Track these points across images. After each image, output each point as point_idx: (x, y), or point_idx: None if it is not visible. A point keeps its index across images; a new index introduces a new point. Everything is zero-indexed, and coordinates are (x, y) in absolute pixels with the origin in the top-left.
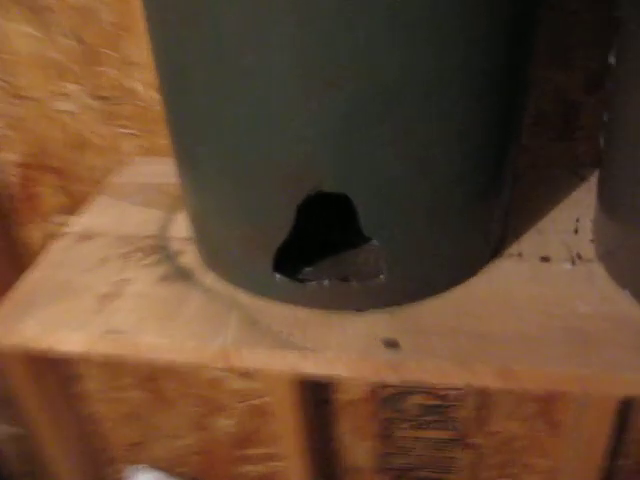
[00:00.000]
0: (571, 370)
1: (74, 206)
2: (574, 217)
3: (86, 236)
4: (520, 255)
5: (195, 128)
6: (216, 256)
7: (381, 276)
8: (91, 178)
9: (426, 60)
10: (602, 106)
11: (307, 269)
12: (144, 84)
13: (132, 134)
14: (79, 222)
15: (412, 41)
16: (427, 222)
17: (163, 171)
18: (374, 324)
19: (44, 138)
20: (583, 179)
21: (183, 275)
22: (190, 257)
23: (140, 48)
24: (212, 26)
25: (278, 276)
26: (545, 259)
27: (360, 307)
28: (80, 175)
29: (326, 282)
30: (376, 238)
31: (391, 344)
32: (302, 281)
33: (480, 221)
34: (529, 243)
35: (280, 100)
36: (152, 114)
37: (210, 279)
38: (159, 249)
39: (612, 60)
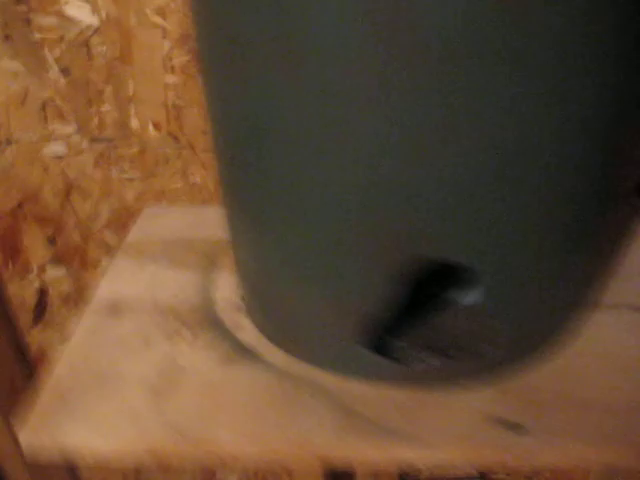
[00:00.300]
0: None
1: (68, 259)
2: None
3: (117, 310)
4: (617, 307)
5: (272, 185)
6: (287, 331)
7: (489, 346)
8: (86, 228)
9: (553, 115)
10: None
11: (398, 343)
12: (144, 122)
13: (132, 179)
14: (103, 291)
15: (539, 94)
16: (541, 286)
17: (183, 223)
18: (485, 401)
19: (32, 185)
20: None
21: (247, 355)
22: (250, 332)
23: (140, 82)
24: (317, 80)
25: (372, 355)
26: None
27: (464, 382)
28: (72, 225)
29: (427, 358)
30: (498, 312)
31: (512, 425)
32: (398, 359)
33: (588, 276)
34: (630, 292)
35: (389, 162)
36: (154, 155)
37: (281, 358)
38: (210, 324)
39: None
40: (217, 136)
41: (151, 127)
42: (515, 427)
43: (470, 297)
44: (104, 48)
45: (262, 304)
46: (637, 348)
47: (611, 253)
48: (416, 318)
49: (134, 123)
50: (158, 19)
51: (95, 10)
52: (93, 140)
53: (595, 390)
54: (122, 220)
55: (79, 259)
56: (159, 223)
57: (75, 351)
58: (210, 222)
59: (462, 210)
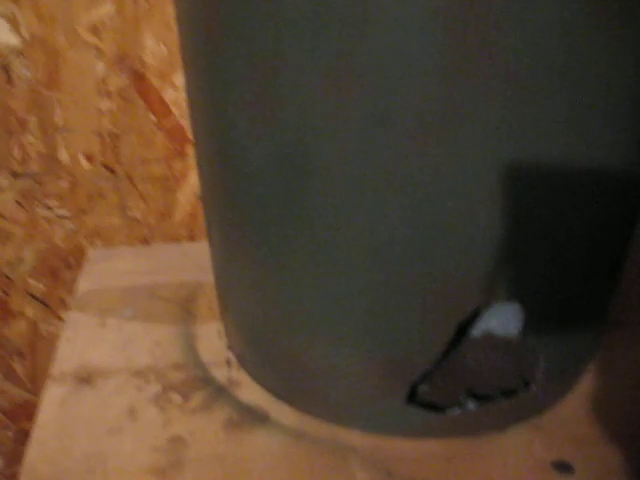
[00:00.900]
0: None
1: None
2: None
3: (86, 377)
4: (629, 324)
5: (302, 224)
6: (301, 386)
7: (532, 387)
8: (7, 277)
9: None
10: None
11: (424, 388)
12: (74, 154)
13: (61, 217)
14: (65, 356)
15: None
16: (579, 319)
17: (138, 267)
18: (528, 444)
19: None
20: None
21: (253, 416)
22: (250, 389)
23: (69, 109)
24: (369, 106)
25: (413, 408)
26: None
27: (501, 425)
28: None
29: (470, 405)
30: (540, 348)
31: (564, 468)
32: (438, 409)
33: (609, 298)
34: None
35: (448, 205)
36: (86, 190)
37: (294, 418)
38: (200, 382)
39: None
40: (219, 168)
41: (83, 159)
42: (566, 469)
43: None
44: (27, 72)
45: (266, 356)
46: None
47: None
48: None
49: (63, 155)
50: (91, 37)
51: (16, 28)
52: (14, 176)
53: (626, 417)
54: (50, 265)
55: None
56: (111, 269)
57: (46, 432)
58: (168, 263)
59: (513, 254)
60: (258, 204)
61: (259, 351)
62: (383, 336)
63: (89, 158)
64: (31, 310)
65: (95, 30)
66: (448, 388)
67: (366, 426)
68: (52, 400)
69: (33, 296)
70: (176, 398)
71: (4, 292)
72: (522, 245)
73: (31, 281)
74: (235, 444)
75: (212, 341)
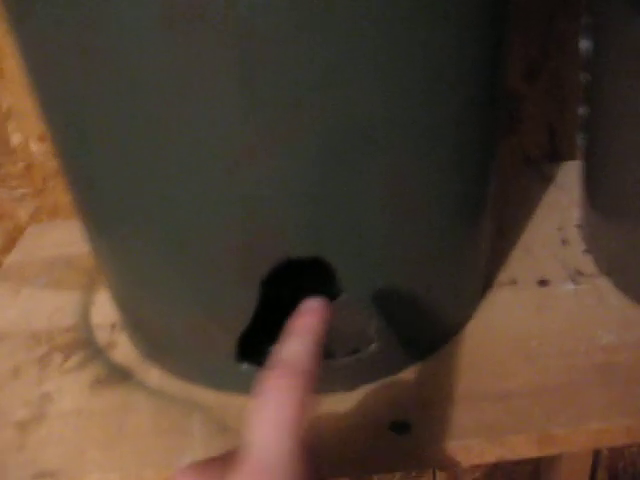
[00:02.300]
0: (617, 421)
1: None
2: (555, 225)
3: None
4: (514, 282)
5: (118, 195)
6: (160, 348)
7: (372, 345)
8: None
9: (406, 100)
10: (546, 95)
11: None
12: (26, 137)
13: (23, 196)
14: None
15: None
16: (416, 273)
17: (67, 240)
18: (373, 404)
19: None
20: (544, 176)
21: (120, 375)
22: (124, 350)
23: (16, 95)
24: (125, 79)
25: (245, 365)
26: (543, 283)
27: (350, 385)
28: None
29: None
30: (362, 302)
31: (400, 428)
32: None
33: (470, 256)
34: (520, 265)
35: (226, 156)
36: (42, 170)
37: (156, 377)
38: (83, 344)
39: (584, 45)
40: (57, 151)
41: (35, 141)
42: (403, 428)
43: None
44: None
45: (133, 320)
46: (539, 325)
47: (488, 217)
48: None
49: (15, 139)
50: None
51: None
52: None
53: (494, 378)
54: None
55: None
56: (41, 242)
57: None
58: None
59: (307, 204)
60: (79, 185)
61: (127, 315)
62: (210, 300)
63: (41, 139)
64: None
65: None
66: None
67: (212, 384)
68: None
69: None
70: (57, 358)
71: None
72: (320, 199)
73: (1, 257)
74: (95, 400)
75: (105, 306)
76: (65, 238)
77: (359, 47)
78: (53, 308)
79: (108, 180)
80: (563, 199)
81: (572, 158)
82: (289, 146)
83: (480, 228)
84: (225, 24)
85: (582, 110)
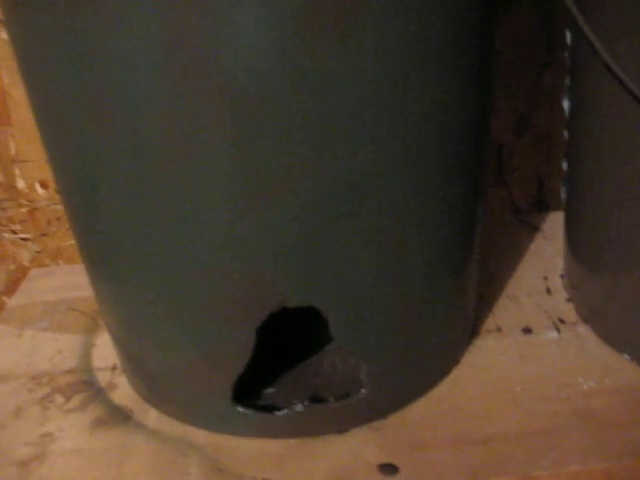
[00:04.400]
0: (597, 465)
1: None
2: (540, 274)
3: None
4: (499, 330)
5: (120, 242)
6: (158, 390)
7: (362, 390)
8: None
9: (394, 154)
10: (533, 148)
11: (270, 391)
12: (30, 182)
13: (25, 239)
14: None
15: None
16: (405, 321)
17: (68, 283)
18: (362, 446)
19: None
20: (531, 226)
21: (120, 416)
22: (124, 392)
23: (21, 142)
24: (129, 138)
25: (240, 408)
26: (527, 330)
27: (341, 428)
28: None
29: (299, 407)
30: (353, 349)
31: (389, 470)
32: (269, 409)
33: (457, 303)
34: (504, 313)
35: (222, 211)
36: (44, 214)
37: (154, 418)
38: (84, 386)
39: (567, 105)
40: (62, 194)
41: (39, 186)
42: (391, 470)
43: (340, 343)
44: None
45: (132, 363)
46: (523, 371)
47: (474, 265)
48: (284, 359)
49: (20, 184)
50: None
51: None
52: None
53: (478, 422)
54: (18, 284)
55: None
56: (44, 285)
57: None
58: None
59: (300, 256)
60: (86, 232)
61: (127, 358)
62: (208, 344)
63: (44, 185)
64: None
65: None
66: (279, 390)
67: (208, 425)
68: None
69: None
70: (59, 399)
71: None
72: (315, 249)
73: (4, 299)
74: (96, 440)
75: (106, 349)
76: (67, 282)
77: (350, 110)
78: (55, 350)
79: (112, 228)
80: (548, 249)
81: (559, 209)
82: (282, 203)
83: (467, 276)
84: (222, 95)
85: (565, 165)
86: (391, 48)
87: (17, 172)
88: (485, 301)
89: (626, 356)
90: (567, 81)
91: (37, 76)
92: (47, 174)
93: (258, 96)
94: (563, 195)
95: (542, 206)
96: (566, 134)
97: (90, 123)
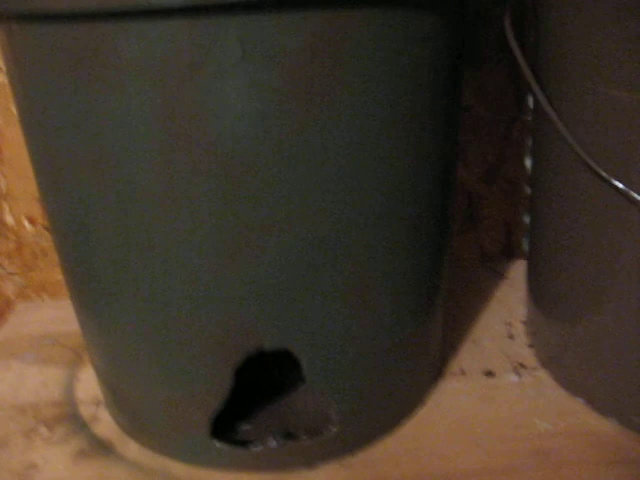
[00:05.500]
0: None
1: None
2: (504, 319)
3: None
4: (463, 372)
5: (107, 284)
6: (138, 423)
7: (332, 428)
8: None
9: (364, 214)
10: (503, 197)
11: (245, 427)
12: (19, 217)
13: (11, 274)
14: None
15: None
16: (374, 364)
17: (56, 317)
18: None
19: None
20: (497, 272)
21: (102, 449)
22: (106, 425)
23: (12, 179)
24: (120, 186)
25: (217, 443)
26: (489, 374)
27: (311, 463)
28: None
29: (272, 442)
30: (324, 390)
31: None
32: (244, 444)
33: (423, 347)
34: (468, 357)
35: (204, 259)
36: (31, 249)
37: (135, 450)
38: (67, 418)
39: (529, 163)
40: (53, 233)
41: (26, 222)
42: None
43: (311, 384)
44: None
45: (115, 397)
46: (484, 413)
47: (440, 308)
48: (259, 401)
49: (9, 219)
50: None
51: None
52: None
53: (441, 461)
54: (5, 317)
55: None
56: (29, 319)
57: None
58: None
59: (275, 303)
60: (72, 267)
61: (109, 392)
62: (185, 381)
63: (31, 221)
64: None
65: None
66: (255, 426)
67: (186, 459)
68: None
69: None
70: (43, 431)
71: None
72: (289, 294)
73: None
74: (78, 470)
75: (90, 383)
76: (52, 316)
77: (324, 174)
78: (40, 383)
79: (98, 268)
80: (513, 295)
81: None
82: (260, 254)
83: (432, 322)
84: (209, 157)
85: (527, 218)
86: (364, 118)
87: (6, 208)
88: (450, 345)
89: (580, 400)
90: (529, 141)
91: (36, 125)
92: (35, 210)
93: (241, 159)
94: (525, 246)
95: (510, 253)
96: (528, 190)
97: (85, 174)
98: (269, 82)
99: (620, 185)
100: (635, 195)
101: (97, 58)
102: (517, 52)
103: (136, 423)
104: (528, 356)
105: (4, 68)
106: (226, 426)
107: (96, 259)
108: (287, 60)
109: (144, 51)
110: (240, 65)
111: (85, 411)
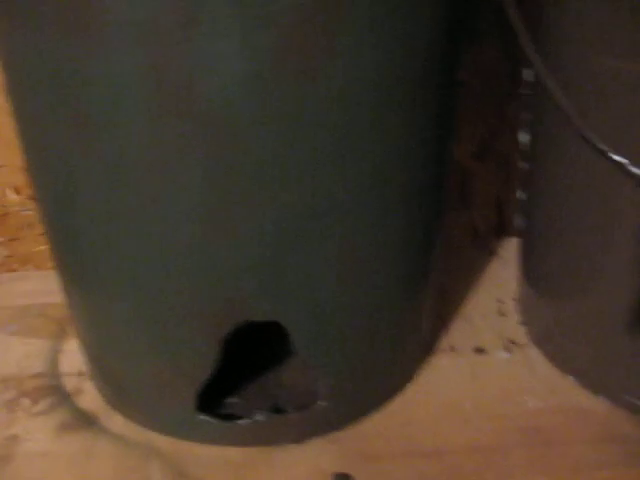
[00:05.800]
0: (538, 479)
1: None
2: (494, 297)
3: None
4: (453, 349)
5: (94, 254)
6: (123, 396)
7: (320, 402)
8: None
9: (356, 183)
10: (493, 174)
11: (232, 400)
12: (4, 187)
13: None
14: None
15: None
16: (363, 337)
17: (41, 288)
18: (319, 456)
19: None
20: (489, 250)
21: (85, 421)
22: (90, 397)
23: None
24: (112, 152)
25: (202, 416)
26: (479, 350)
27: (298, 438)
28: None
29: (259, 416)
30: (313, 363)
31: (341, 477)
32: (230, 418)
33: (414, 322)
34: (459, 333)
35: (194, 228)
36: (16, 219)
37: (119, 423)
38: (51, 390)
39: (523, 138)
40: (38, 202)
41: (11, 191)
42: (342, 479)
43: (301, 356)
44: None
45: (100, 369)
46: (473, 390)
47: (433, 285)
48: (247, 375)
49: None
50: None
51: None
52: None
53: (430, 436)
54: None
55: None
56: (13, 290)
57: None
58: None
59: (266, 274)
60: (60, 239)
61: (94, 364)
62: (173, 352)
63: (17, 190)
64: None
65: None
66: (242, 400)
67: (171, 432)
68: None
69: None
70: (25, 403)
71: None
72: (279, 265)
73: None
74: (61, 443)
75: (74, 355)
76: (36, 288)
77: (316, 140)
78: (23, 355)
79: (85, 238)
80: (504, 273)
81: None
82: (250, 222)
83: (424, 297)
84: (198, 119)
85: (519, 194)
86: (357, 82)
87: None
88: (441, 321)
89: (571, 377)
90: (526, 115)
91: (22, 89)
92: (20, 180)
93: (231, 122)
94: (516, 223)
95: (502, 231)
96: (521, 166)
97: (70, 139)
98: (263, 42)
99: (618, 158)
100: (632, 168)
101: (82, 11)
102: (516, 22)
103: (121, 395)
104: (519, 333)
105: None
106: (213, 400)
107: (82, 229)
108: (282, 19)
109: (132, 5)
110: (233, 24)
111: (69, 383)
